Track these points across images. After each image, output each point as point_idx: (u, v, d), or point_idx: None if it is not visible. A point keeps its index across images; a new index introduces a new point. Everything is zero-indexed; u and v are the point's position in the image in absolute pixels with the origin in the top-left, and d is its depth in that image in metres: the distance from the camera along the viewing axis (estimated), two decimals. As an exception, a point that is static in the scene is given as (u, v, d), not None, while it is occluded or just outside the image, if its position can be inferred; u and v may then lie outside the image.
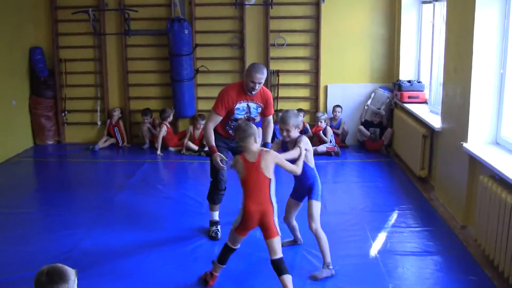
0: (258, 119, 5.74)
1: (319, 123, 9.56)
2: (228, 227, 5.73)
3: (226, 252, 4.61)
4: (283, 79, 10.04)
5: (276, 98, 10.03)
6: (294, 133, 4.88)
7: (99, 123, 10.33)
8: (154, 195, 7.30)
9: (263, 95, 5.54)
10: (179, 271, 5.04)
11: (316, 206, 4.92)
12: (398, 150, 9.10)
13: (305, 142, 4.85)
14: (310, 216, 4.89)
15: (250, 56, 10.03)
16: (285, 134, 4.87)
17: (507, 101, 5.61)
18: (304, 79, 10.17)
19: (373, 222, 6.18)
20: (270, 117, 5.77)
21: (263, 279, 4.84)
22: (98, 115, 10.32)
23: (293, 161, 4.69)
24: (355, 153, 9.53)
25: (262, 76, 5.29)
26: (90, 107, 10.42)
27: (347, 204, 6.81)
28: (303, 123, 9.79)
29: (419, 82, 8.95)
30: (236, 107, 5.45)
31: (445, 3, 6.77)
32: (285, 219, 5.37)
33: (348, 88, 10.09)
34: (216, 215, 5.95)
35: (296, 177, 4.97)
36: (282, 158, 4.57)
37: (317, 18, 9.90)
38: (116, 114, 10.13)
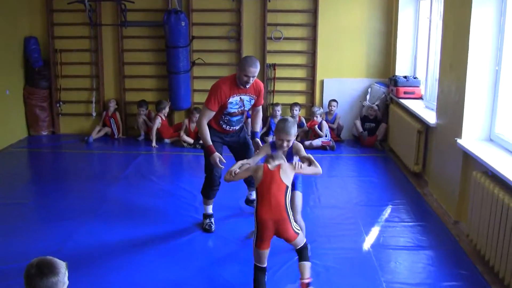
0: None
1: (315, 117, 9.56)
2: (222, 222, 5.80)
3: (258, 275, 4.33)
4: (279, 72, 10.04)
5: (272, 92, 10.05)
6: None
7: (94, 114, 10.30)
8: (148, 187, 7.30)
9: (255, 87, 5.53)
10: (172, 264, 5.06)
11: (299, 197, 4.94)
12: (393, 145, 9.12)
13: (302, 148, 4.81)
14: (294, 207, 4.82)
15: (247, 49, 10.02)
16: (285, 144, 4.66)
17: (501, 98, 5.63)
18: (300, 73, 10.17)
19: (367, 217, 6.20)
20: (260, 107, 5.78)
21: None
22: (93, 106, 10.30)
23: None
24: (350, 147, 9.54)
25: (255, 69, 5.27)
26: (85, 98, 10.39)
27: (342, 198, 6.83)
28: (299, 117, 9.82)
29: (415, 78, 8.96)
30: (230, 101, 5.41)
31: (442, 0, 6.78)
32: None
33: (344, 83, 10.10)
34: (210, 209, 5.95)
35: None
36: (304, 168, 4.48)
37: (314, 12, 9.89)
38: (112, 105, 10.11)
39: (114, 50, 10.19)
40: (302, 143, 9.24)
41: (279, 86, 10.09)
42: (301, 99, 10.13)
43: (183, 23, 9.50)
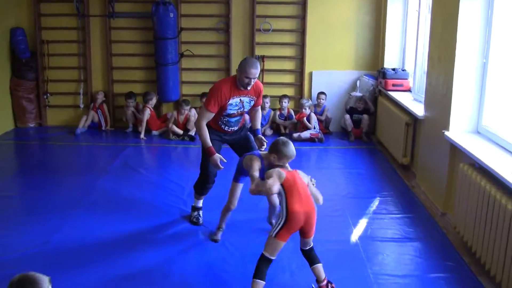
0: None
1: (303, 109, 9.56)
2: (210, 214, 5.78)
3: (264, 265, 4.19)
4: (268, 64, 10.02)
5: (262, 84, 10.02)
6: None
7: (81, 106, 10.25)
8: (136, 179, 7.28)
9: (255, 88, 5.46)
10: (161, 256, 5.05)
11: None
12: (381, 138, 9.14)
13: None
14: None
15: (236, 41, 10.01)
16: (286, 165, 4.63)
17: (488, 90, 5.64)
18: (289, 65, 10.17)
19: (355, 209, 6.22)
20: (259, 107, 5.72)
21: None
22: (81, 98, 10.24)
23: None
24: (338, 139, 9.56)
25: (256, 71, 5.20)
26: (73, 90, 10.34)
27: (330, 190, 6.82)
28: (288, 109, 9.82)
29: (403, 70, 8.97)
30: (229, 103, 5.33)
31: (430, -8, 6.79)
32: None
33: (332, 75, 10.10)
34: (200, 203, 5.93)
35: None
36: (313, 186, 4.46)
37: (303, 4, 9.88)
38: (100, 97, 10.06)
39: (102, 41, 10.13)
40: (291, 135, 9.29)
41: (267, 78, 10.08)
42: (289, 91, 10.13)
43: (171, 15, 9.47)
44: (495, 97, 5.61)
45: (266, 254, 4.19)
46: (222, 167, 5.35)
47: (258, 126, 5.63)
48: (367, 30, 10.03)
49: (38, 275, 2.72)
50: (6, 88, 9.92)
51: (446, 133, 5.79)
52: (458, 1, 5.62)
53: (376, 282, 4.58)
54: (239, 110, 5.45)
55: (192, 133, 9.54)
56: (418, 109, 7.18)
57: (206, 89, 9.83)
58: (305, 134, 9.32)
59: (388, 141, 8.60)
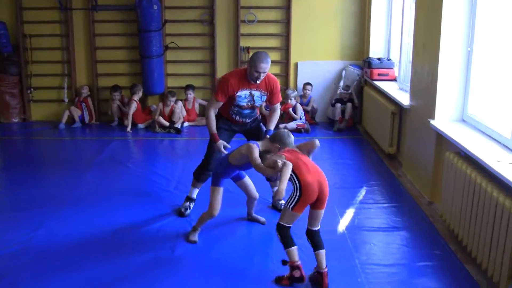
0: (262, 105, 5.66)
1: (289, 100, 9.53)
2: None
3: (286, 233, 4.36)
4: (253, 56, 9.97)
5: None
6: None
7: (66, 100, 10.18)
8: (122, 173, 7.24)
9: (267, 83, 5.45)
10: (146, 250, 5.01)
11: None
12: (367, 127, 9.15)
13: None
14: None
15: (220, 33, 9.97)
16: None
17: (473, 79, 5.65)
18: (274, 56, 10.11)
19: (342, 199, 6.21)
20: (277, 105, 5.68)
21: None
22: (65, 92, 10.17)
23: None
24: (324, 130, 9.56)
25: (266, 65, 5.22)
26: (57, 84, 10.26)
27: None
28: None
29: (388, 60, 8.97)
30: (238, 94, 5.36)
31: (414, -20, 6.77)
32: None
33: (318, 65, 10.09)
34: (195, 193, 5.92)
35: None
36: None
37: (287, -5, 9.86)
38: (85, 92, 9.98)
39: (86, 34, 10.05)
40: (277, 126, 9.26)
41: (253, 69, 10.03)
42: (275, 82, 10.10)
43: (155, 7, 9.42)
44: (480, 86, 5.62)
45: (283, 223, 4.35)
46: (225, 152, 5.34)
47: (271, 127, 5.55)
48: (352, 20, 10.01)
49: None
50: (-12, 83, 9.81)
51: (432, 122, 5.79)
52: (442, -11, 5.62)
53: (363, 272, 4.58)
54: (249, 103, 5.47)
55: (178, 125, 9.50)
56: (404, 98, 7.19)
57: (191, 81, 9.92)
58: (291, 125, 9.30)
59: (374, 131, 8.60)
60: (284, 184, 4.20)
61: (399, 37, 8.25)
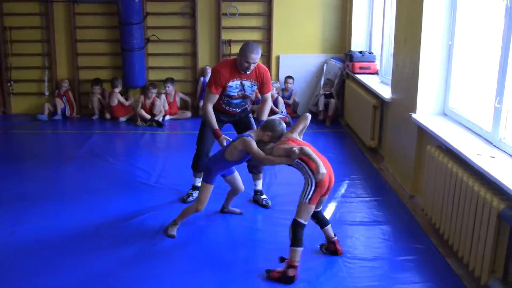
0: (253, 96, 5.65)
1: (270, 93, 9.49)
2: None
3: (301, 232, 4.37)
4: (235, 49, 9.92)
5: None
6: None
7: (46, 93, 10.09)
8: (103, 166, 7.18)
9: (258, 73, 5.45)
10: (127, 244, 4.97)
11: None
12: (349, 121, 9.15)
13: None
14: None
15: (202, 25, 9.93)
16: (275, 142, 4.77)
17: (454, 72, 5.66)
18: (256, 49, 10.10)
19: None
20: (268, 95, 5.66)
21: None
22: (46, 85, 10.08)
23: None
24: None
25: (256, 56, 5.22)
26: (37, 77, 10.15)
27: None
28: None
29: (370, 53, 8.98)
30: (229, 84, 5.37)
31: (396, -26, 6.77)
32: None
33: (300, 59, 10.08)
34: (199, 181, 5.90)
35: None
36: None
37: (269, -12, 9.83)
38: (65, 86, 9.89)
39: (66, 27, 9.95)
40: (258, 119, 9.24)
41: (235, 62, 10.01)
42: (257, 76, 10.08)
43: (136, -1, 9.35)
44: (461, 79, 5.63)
45: (301, 220, 4.36)
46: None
47: (264, 117, 5.54)
48: (333, 13, 10.01)
49: None
50: (-32, 76, 9.69)
51: (413, 115, 5.80)
52: (423, -17, 5.62)
53: (345, 266, 4.59)
54: (239, 93, 5.48)
55: (159, 118, 9.46)
56: (385, 92, 7.20)
57: (172, 74, 9.87)
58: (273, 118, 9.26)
59: (356, 124, 8.61)
60: (317, 161, 4.25)
61: (381, 31, 8.25)
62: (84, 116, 10.01)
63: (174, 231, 5.15)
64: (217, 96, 5.40)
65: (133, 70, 9.65)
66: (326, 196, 4.58)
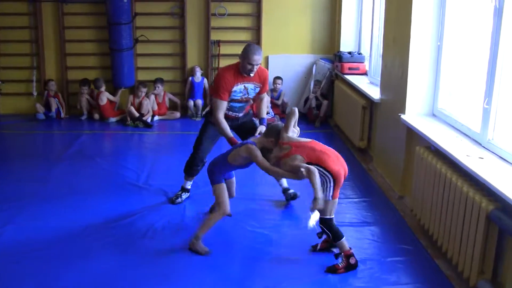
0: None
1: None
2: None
3: (334, 224, 4.55)
4: (224, 49, 9.95)
5: (217, 69, 9.96)
6: None
7: (35, 93, 10.02)
8: (91, 167, 7.15)
9: (260, 75, 5.45)
10: (115, 246, 4.94)
11: None
12: (338, 121, 9.15)
13: None
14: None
15: (191, 26, 9.91)
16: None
17: (443, 73, 5.67)
18: (245, 49, 10.09)
19: (312, 194, 6.17)
20: (264, 94, 5.67)
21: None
22: (34, 85, 10.01)
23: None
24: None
25: (259, 57, 5.21)
26: (25, 77, 10.09)
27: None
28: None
29: (359, 54, 8.99)
30: (234, 89, 5.34)
31: (385, -26, 6.77)
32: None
33: (289, 59, 10.08)
34: (189, 184, 5.94)
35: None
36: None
37: (258, -12, 9.82)
38: (52, 88, 9.82)
39: (55, 27, 9.90)
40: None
41: (224, 62, 9.97)
42: (246, 76, 10.06)
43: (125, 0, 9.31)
44: (450, 80, 5.64)
45: (327, 216, 4.51)
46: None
47: (263, 115, 5.56)
48: (323, 14, 10.02)
49: None
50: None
51: (402, 116, 5.80)
52: (412, -17, 5.63)
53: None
54: (243, 97, 5.46)
55: (148, 119, 9.42)
56: (375, 93, 7.20)
57: (161, 74, 9.84)
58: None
59: (345, 125, 8.61)
60: (320, 192, 4.31)
61: (370, 31, 8.26)
62: (73, 116, 9.95)
63: (204, 247, 4.78)
64: (226, 103, 5.35)
65: (122, 70, 9.62)
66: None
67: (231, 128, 5.61)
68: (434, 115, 5.81)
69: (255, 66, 5.24)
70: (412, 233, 5.21)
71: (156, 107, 9.76)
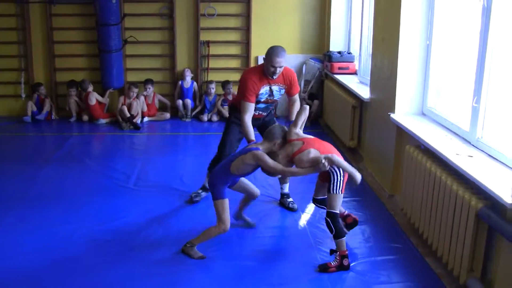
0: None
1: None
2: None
3: (338, 221, 4.55)
4: (213, 49, 9.93)
5: (207, 69, 9.94)
6: None
7: (23, 95, 9.96)
8: (80, 169, 7.10)
9: (285, 76, 5.41)
10: (104, 249, 4.91)
11: None
12: (328, 121, 9.16)
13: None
14: None
15: (180, 26, 9.88)
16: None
17: (432, 72, 5.68)
18: (234, 49, 10.09)
19: (303, 193, 6.17)
20: (296, 96, 5.62)
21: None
22: (22, 87, 9.95)
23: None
24: (285, 123, 9.50)
25: (282, 59, 5.17)
26: (13, 79, 10.03)
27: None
28: (233, 95, 9.72)
29: (349, 53, 8.99)
30: (260, 92, 5.32)
31: (374, -26, 6.78)
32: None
33: (279, 59, 10.04)
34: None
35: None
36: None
37: (247, -12, 9.81)
38: (43, 92, 9.77)
39: (43, 28, 9.84)
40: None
41: (213, 63, 10.01)
42: (235, 76, 10.00)
43: (114, 0, 9.28)
44: (439, 79, 5.65)
45: (335, 211, 4.53)
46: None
47: (293, 118, 5.42)
48: (312, 13, 10.02)
49: None
50: None
51: (392, 115, 5.81)
52: (401, -17, 5.63)
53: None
54: (269, 98, 5.45)
55: (138, 121, 9.39)
56: (364, 92, 7.20)
57: (150, 76, 9.82)
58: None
59: (335, 125, 8.61)
60: (353, 169, 4.56)
61: (359, 31, 8.26)
62: (62, 118, 9.90)
63: (198, 253, 4.72)
64: (253, 105, 5.30)
65: (111, 72, 9.58)
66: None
67: (254, 126, 5.55)
68: (423, 114, 5.82)
69: (278, 69, 5.21)
70: (403, 232, 5.22)
71: (146, 108, 9.73)
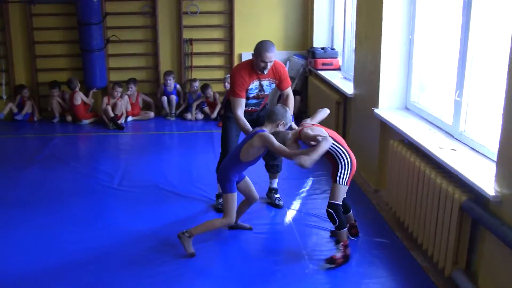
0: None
1: (226, 83, 9.35)
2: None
3: (340, 212, 4.57)
4: (196, 47, 9.90)
5: (190, 67, 9.91)
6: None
7: (4, 97, 9.86)
8: (64, 170, 7.05)
9: (275, 70, 5.37)
10: (88, 251, 4.88)
11: None
12: (313, 117, 9.15)
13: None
14: None
15: (163, 24, 9.83)
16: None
17: (415, 67, 5.70)
18: (218, 47, 10.06)
19: (289, 189, 6.20)
20: (288, 89, 5.58)
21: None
22: (3, 88, 9.85)
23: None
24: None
25: (272, 54, 5.12)
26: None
27: (263, 171, 6.76)
28: (214, 93, 9.68)
29: (332, 49, 9.00)
30: (250, 87, 5.28)
31: (355, -31, 6.79)
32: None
33: (262, 56, 10.02)
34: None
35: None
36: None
37: (230, -15, 9.78)
38: (26, 95, 9.69)
39: (23, 28, 9.74)
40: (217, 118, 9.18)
41: (196, 61, 9.97)
42: (219, 74, 10.02)
43: (95, -1, 9.22)
44: (422, 73, 5.67)
45: (337, 201, 4.56)
46: None
47: (291, 112, 5.40)
48: (295, 10, 10.01)
49: None
50: None
51: (376, 110, 5.82)
52: (382, -22, 5.64)
53: (311, 263, 4.57)
54: (259, 93, 5.41)
55: (122, 120, 9.34)
56: (348, 87, 7.21)
57: (133, 75, 9.76)
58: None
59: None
60: (317, 155, 4.28)
61: (342, 27, 8.27)
62: (45, 119, 9.82)
63: (192, 248, 4.69)
64: (244, 100, 5.25)
65: (93, 71, 9.51)
66: None
67: (249, 121, 5.46)
68: (407, 109, 5.84)
69: (269, 64, 5.17)
70: (388, 226, 5.24)
71: (130, 108, 9.68)
